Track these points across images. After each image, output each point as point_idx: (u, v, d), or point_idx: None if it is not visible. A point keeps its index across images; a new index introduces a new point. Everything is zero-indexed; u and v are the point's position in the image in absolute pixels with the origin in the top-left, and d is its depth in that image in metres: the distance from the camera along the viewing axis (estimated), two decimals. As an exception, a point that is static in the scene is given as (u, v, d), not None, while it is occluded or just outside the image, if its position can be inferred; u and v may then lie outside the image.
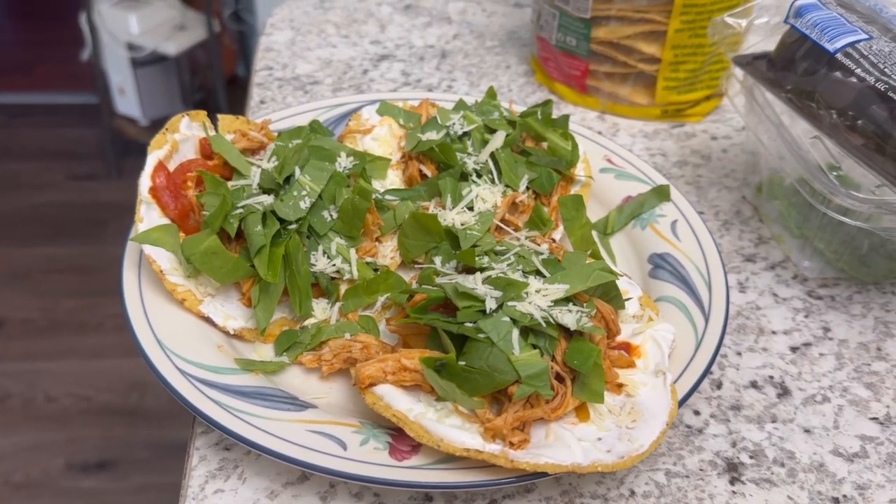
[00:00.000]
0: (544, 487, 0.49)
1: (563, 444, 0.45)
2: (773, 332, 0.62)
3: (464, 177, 0.64)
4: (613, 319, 0.52)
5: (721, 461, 0.52)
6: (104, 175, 2.53)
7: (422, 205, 0.64)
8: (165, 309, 0.55)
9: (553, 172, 0.66)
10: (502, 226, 0.62)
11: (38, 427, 1.77)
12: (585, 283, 0.50)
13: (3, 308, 2.05)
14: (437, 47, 0.99)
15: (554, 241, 0.60)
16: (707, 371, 0.52)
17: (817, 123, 0.59)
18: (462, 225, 0.59)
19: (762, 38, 0.67)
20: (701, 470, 0.51)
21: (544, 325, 0.47)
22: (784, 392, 0.57)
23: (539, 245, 0.56)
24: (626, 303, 0.54)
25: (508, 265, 0.52)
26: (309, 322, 0.57)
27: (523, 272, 0.51)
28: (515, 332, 0.46)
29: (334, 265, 0.57)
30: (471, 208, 0.62)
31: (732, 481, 0.50)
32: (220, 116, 0.65)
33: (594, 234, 0.65)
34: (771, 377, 0.58)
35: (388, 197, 0.64)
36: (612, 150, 0.73)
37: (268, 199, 0.57)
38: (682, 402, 0.50)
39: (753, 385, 0.57)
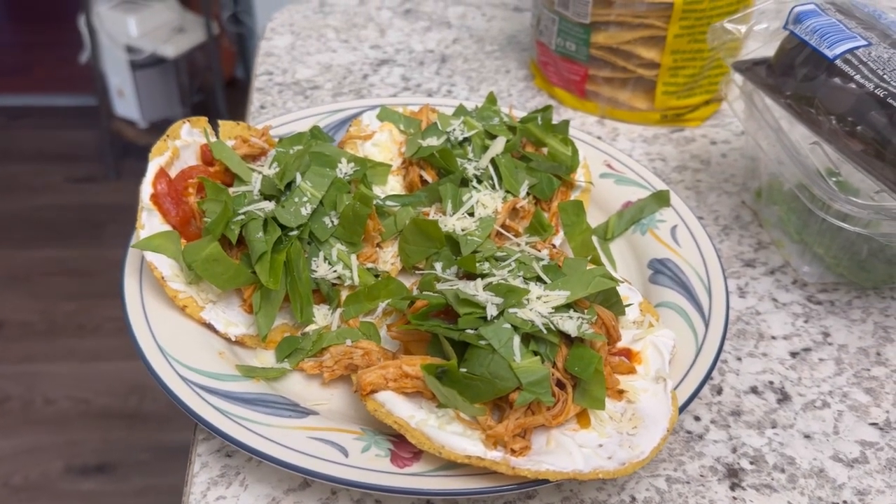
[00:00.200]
0: (546, 494, 0.49)
1: (565, 451, 0.45)
2: (773, 338, 0.62)
3: (464, 182, 0.64)
4: (614, 326, 0.52)
5: (721, 467, 0.52)
6: (103, 177, 2.53)
7: (422, 210, 0.64)
8: (167, 316, 0.55)
9: (553, 178, 0.66)
10: (503, 231, 0.62)
11: (37, 429, 1.77)
12: (586, 289, 0.50)
13: (1, 310, 2.05)
14: (436, 52, 1.00)
15: (554, 246, 0.60)
16: (707, 377, 0.52)
17: (816, 129, 0.59)
18: (463, 231, 0.60)
19: (761, 43, 0.67)
20: (701, 476, 0.51)
21: (545, 331, 0.47)
22: (784, 397, 0.57)
23: (539, 251, 0.56)
24: (626, 309, 0.55)
25: (509, 271, 0.52)
26: (310, 328, 0.57)
27: (524, 278, 0.51)
28: (516, 339, 0.46)
29: (335, 271, 0.57)
30: (471, 214, 0.62)
31: (733, 487, 0.51)
32: (220, 122, 0.65)
33: (594, 239, 0.66)
34: (771, 382, 0.58)
35: (388, 203, 0.64)
36: (612, 156, 0.73)
37: (269, 206, 0.57)
38: (682, 408, 0.50)
39: (753, 390, 0.57)
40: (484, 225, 0.60)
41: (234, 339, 0.56)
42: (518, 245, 0.59)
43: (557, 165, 0.67)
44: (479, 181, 0.64)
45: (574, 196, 0.69)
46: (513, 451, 0.45)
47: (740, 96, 0.68)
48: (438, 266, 0.56)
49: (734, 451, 0.53)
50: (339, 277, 0.58)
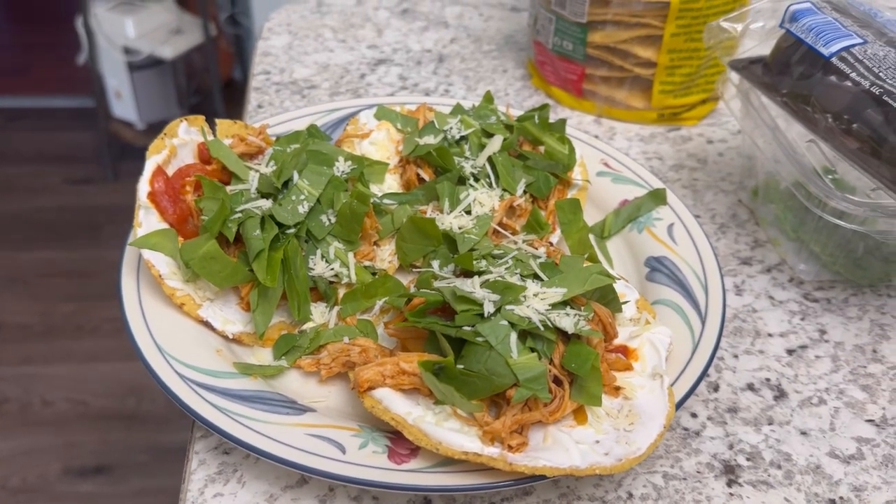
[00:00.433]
0: (542, 490, 0.49)
1: (561, 447, 0.46)
2: (770, 335, 0.62)
3: (461, 181, 0.64)
4: (611, 323, 0.52)
5: (718, 463, 0.52)
6: (100, 179, 2.52)
7: (420, 209, 0.64)
8: (164, 313, 0.55)
9: (550, 176, 0.66)
10: (500, 229, 0.62)
11: (35, 431, 1.77)
12: (583, 286, 0.50)
13: (-1, 312, 2.05)
14: (434, 51, 1.00)
15: (551, 244, 0.61)
16: (704, 374, 0.52)
17: (813, 127, 0.59)
18: (460, 229, 0.60)
19: (758, 42, 0.67)
20: (698, 472, 0.51)
21: (542, 328, 0.47)
22: (780, 394, 0.57)
23: (536, 248, 0.56)
24: (623, 306, 0.55)
25: (506, 269, 0.52)
26: (307, 326, 0.57)
27: (521, 276, 0.51)
28: (513, 336, 0.47)
29: (333, 269, 0.57)
30: (468, 212, 0.62)
31: (729, 483, 0.51)
32: (218, 121, 0.65)
33: (591, 237, 0.66)
34: (767, 380, 0.58)
35: (386, 201, 0.65)
36: (609, 154, 0.73)
37: (266, 204, 0.57)
38: (679, 405, 0.50)
39: (750, 387, 0.58)
40: (481, 223, 0.60)
41: (231, 336, 0.56)
42: (515, 243, 0.59)
43: (554, 164, 0.67)
44: (477, 179, 0.64)
45: (571, 194, 0.69)
46: (510, 448, 0.45)
47: (737, 95, 0.68)
48: (436, 264, 0.56)
49: (731, 447, 0.53)
50: (336, 275, 0.58)
